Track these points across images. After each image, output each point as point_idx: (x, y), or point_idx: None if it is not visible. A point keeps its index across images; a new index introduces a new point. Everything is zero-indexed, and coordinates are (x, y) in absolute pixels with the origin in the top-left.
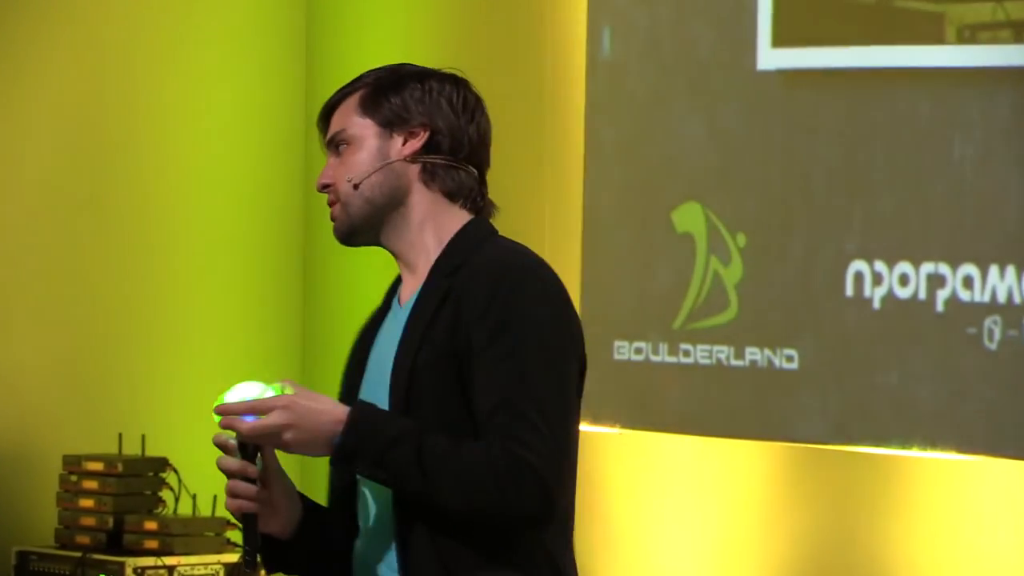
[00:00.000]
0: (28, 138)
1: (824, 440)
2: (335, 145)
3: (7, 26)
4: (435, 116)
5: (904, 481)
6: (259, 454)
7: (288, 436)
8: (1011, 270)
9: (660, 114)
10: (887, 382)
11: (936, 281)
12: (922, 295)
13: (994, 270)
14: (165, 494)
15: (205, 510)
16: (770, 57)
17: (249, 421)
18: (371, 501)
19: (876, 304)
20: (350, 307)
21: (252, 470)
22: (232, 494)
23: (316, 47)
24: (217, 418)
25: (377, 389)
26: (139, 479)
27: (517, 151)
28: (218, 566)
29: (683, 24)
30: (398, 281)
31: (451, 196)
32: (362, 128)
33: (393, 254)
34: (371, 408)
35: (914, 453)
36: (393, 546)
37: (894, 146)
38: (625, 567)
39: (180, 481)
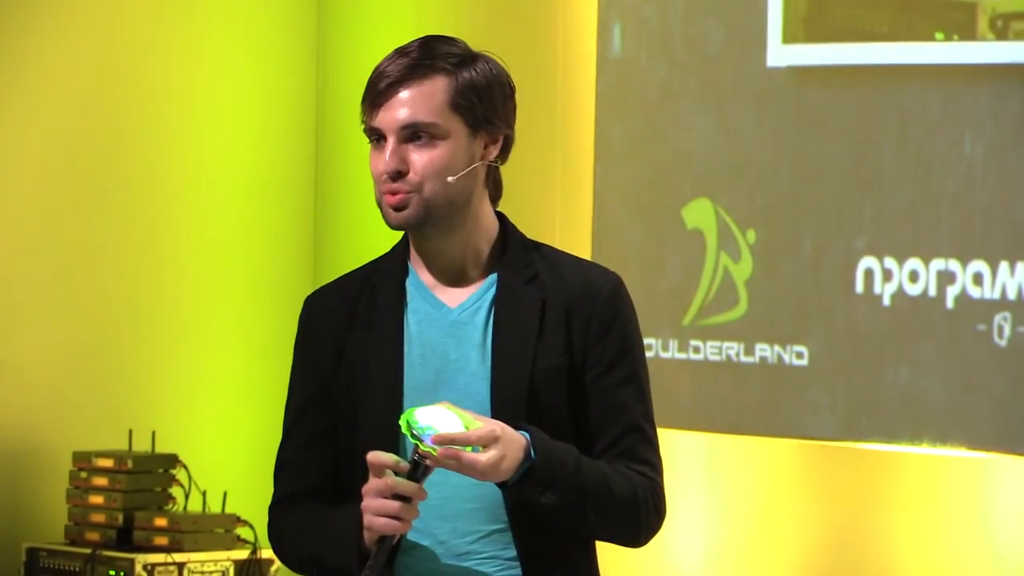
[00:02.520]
0: (38, 134)
1: (834, 437)
2: (414, 132)
3: (18, 22)
4: (511, 123)
5: (914, 477)
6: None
7: (502, 466)
8: (1021, 267)
9: (670, 111)
10: (897, 379)
11: (946, 278)
12: (932, 292)
13: (1004, 267)
14: (175, 491)
15: (215, 507)
16: (780, 54)
17: (475, 455)
18: (460, 518)
19: (886, 301)
20: None
21: (424, 495)
22: (396, 516)
23: (327, 42)
24: (412, 439)
25: (452, 397)
26: (149, 476)
27: (528, 148)
28: (228, 563)
29: (693, 21)
30: (397, 275)
31: (495, 198)
32: (452, 124)
33: (435, 252)
34: (540, 432)
35: (924, 450)
36: (507, 563)
37: (904, 143)
38: (634, 563)
39: (190, 478)
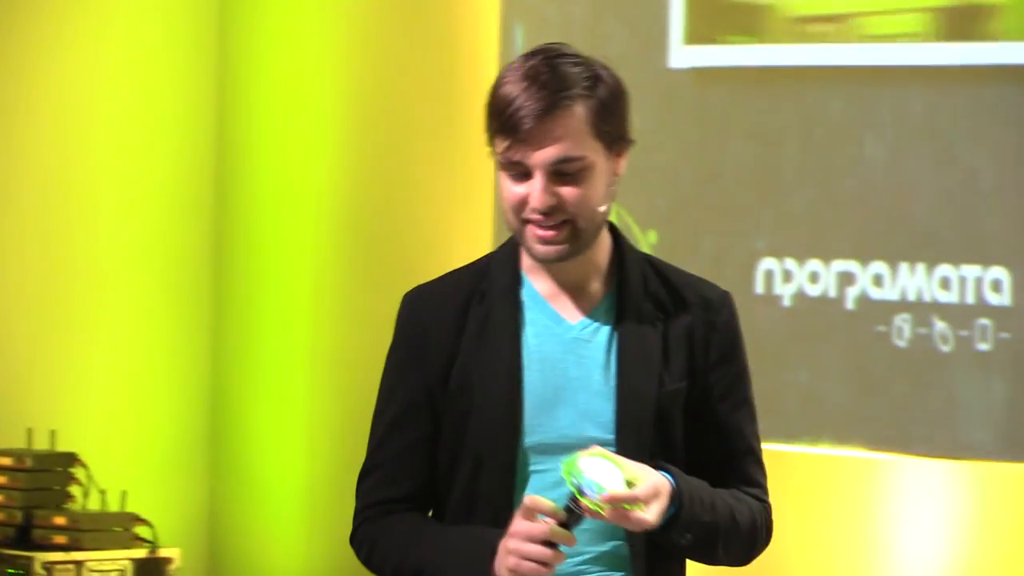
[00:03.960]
0: None
1: None
2: (561, 168)
3: None
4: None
5: (813, 479)
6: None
7: (659, 519)
8: (921, 268)
9: None
10: (797, 379)
11: (846, 279)
12: (832, 293)
13: (904, 268)
14: (74, 489)
15: (114, 505)
16: (682, 55)
17: (644, 516)
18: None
19: (786, 302)
20: (259, 304)
21: (574, 542)
22: (545, 562)
23: (228, 47)
24: (575, 491)
25: (572, 416)
26: (48, 474)
27: (429, 151)
28: (126, 562)
29: (595, 21)
30: (509, 283)
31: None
32: (596, 153)
33: (560, 263)
34: (679, 472)
35: (823, 450)
36: None
37: (805, 144)
38: None
39: (90, 476)
